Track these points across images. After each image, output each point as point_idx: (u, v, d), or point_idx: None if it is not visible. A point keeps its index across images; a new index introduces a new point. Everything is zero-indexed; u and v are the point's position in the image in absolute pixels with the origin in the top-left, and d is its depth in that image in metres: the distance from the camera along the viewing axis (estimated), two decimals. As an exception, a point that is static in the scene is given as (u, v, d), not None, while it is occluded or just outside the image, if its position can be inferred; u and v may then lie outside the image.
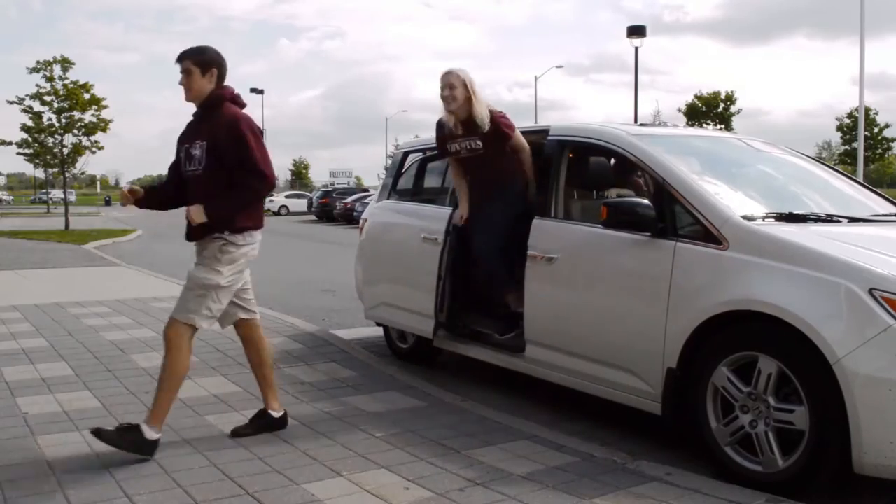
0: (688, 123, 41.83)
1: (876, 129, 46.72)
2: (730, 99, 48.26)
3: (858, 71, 21.04)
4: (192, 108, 3.81)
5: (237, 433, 3.78)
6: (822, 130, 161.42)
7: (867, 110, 38.93)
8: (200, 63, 3.68)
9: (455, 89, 4.64)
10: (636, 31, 25.29)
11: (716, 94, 48.33)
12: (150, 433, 3.41)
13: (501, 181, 4.76)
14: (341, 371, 5.20)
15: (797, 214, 3.73)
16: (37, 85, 23.28)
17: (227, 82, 3.80)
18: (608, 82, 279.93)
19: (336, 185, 47.95)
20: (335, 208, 33.08)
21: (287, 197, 48.29)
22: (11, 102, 23.53)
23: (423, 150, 6.16)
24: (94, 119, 23.96)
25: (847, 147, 47.36)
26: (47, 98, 23.37)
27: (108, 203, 69.44)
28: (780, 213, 3.69)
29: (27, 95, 23.44)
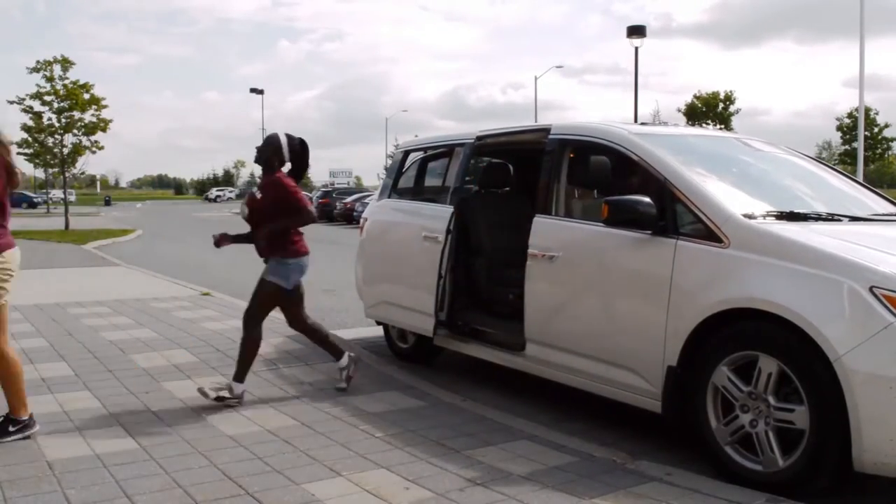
0: (687, 123, 41.81)
1: (876, 129, 46.73)
2: (729, 99, 48.27)
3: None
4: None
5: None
6: (816, 131, 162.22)
7: (867, 110, 38.93)
8: None
9: None
10: (636, 31, 25.18)
11: (715, 95, 48.35)
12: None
13: None
14: (341, 371, 5.19)
15: (798, 213, 3.72)
16: (37, 85, 23.32)
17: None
18: (602, 83, 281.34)
19: (336, 185, 47.93)
20: (335, 208, 33.10)
21: (287, 197, 48.11)
22: (11, 102, 23.56)
23: (424, 149, 6.17)
24: (94, 119, 23.98)
25: (847, 147, 47.37)
26: (47, 98, 23.38)
27: (108, 203, 69.43)
28: (781, 212, 3.68)
29: (27, 95, 23.47)
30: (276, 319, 7.07)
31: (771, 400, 3.20)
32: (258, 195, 4.63)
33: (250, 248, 4.75)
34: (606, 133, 4.32)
